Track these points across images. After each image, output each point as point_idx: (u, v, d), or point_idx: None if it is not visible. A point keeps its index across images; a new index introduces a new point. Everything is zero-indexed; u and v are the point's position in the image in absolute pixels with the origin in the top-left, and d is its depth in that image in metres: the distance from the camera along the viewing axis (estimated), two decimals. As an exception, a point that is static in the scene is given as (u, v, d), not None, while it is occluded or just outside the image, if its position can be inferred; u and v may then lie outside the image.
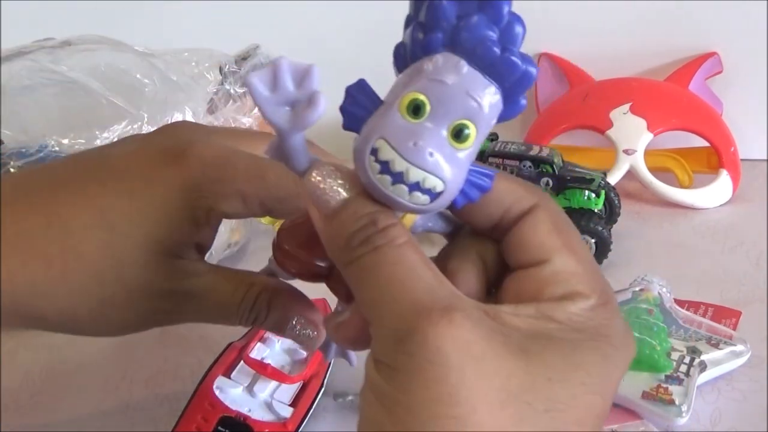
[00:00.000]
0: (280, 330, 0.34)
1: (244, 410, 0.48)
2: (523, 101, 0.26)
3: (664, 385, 0.48)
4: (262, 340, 0.52)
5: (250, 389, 0.49)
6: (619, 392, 0.47)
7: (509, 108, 0.26)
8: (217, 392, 0.48)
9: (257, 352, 0.51)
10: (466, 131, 0.25)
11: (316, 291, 0.35)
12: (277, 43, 0.72)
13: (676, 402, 0.47)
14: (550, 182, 0.66)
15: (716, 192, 0.77)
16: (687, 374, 0.49)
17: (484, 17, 0.25)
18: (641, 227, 0.74)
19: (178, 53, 0.66)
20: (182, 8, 0.87)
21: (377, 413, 0.23)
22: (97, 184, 0.31)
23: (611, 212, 0.70)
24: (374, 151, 0.24)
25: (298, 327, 0.33)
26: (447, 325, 0.22)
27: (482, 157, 0.71)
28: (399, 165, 0.24)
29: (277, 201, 0.33)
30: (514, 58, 0.26)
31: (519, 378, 0.22)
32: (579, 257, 0.26)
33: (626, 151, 0.77)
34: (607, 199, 0.68)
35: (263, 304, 0.34)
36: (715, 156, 0.79)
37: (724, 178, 0.77)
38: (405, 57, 0.26)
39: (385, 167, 0.24)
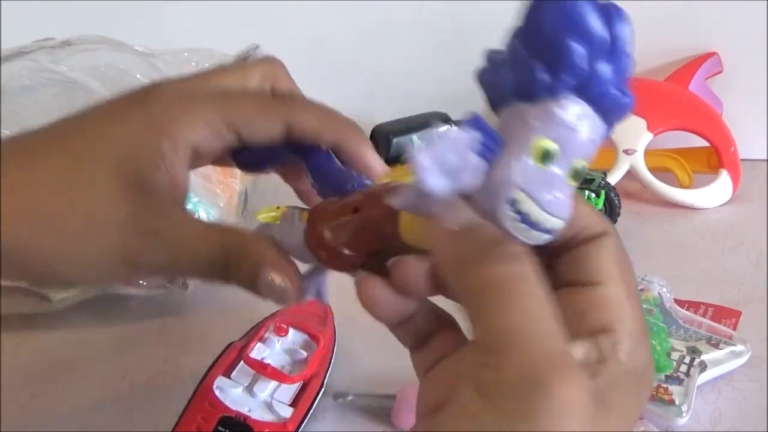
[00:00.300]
0: (253, 286, 0.32)
1: (244, 410, 0.48)
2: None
3: (664, 385, 0.48)
4: (262, 340, 0.52)
5: (250, 389, 0.49)
6: (619, 392, 0.48)
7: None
8: (217, 392, 0.48)
9: (257, 352, 0.51)
10: (583, 170, 0.25)
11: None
12: (277, 43, 0.71)
13: (676, 402, 0.47)
14: (550, 182, 0.66)
15: (716, 192, 0.77)
16: (687, 374, 0.49)
17: (614, 67, 0.26)
18: (641, 227, 0.74)
19: (178, 53, 0.66)
20: (182, 8, 0.87)
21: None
22: (72, 134, 0.32)
23: (611, 212, 0.70)
24: (512, 202, 0.25)
25: (272, 281, 0.31)
26: (572, 386, 0.22)
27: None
28: (538, 216, 0.25)
29: (245, 121, 0.33)
30: (629, 100, 0.27)
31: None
32: (629, 291, 0.26)
33: (626, 151, 0.77)
34: (607, 198, 0.68)
35: (235, 257, 0.32)
36: (715, 156, 0.79)
37: (724, 178, 0.77)
38: (506, 88, 0.26)
39: (525, 218, 0.25)
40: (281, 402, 0.48)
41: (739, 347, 0.51)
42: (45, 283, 0.33)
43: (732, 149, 0.79)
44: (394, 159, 0.78)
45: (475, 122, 0.26)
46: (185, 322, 0.62)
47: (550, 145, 0.25)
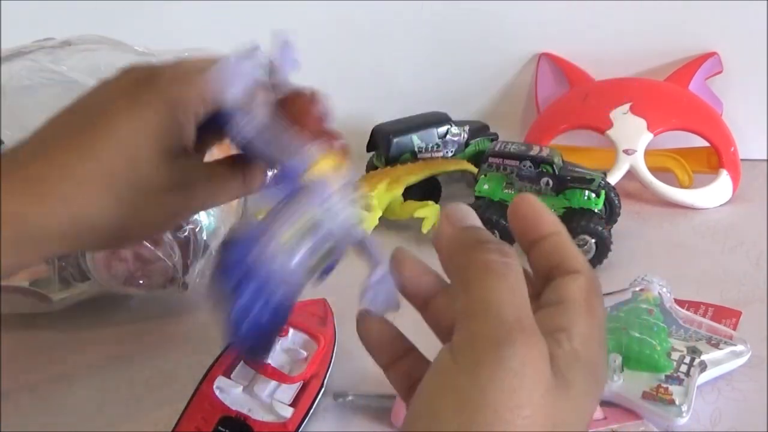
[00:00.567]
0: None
1: (245, 410, 0.48)
2: None
3: (665, 385, 0.48)
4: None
5: (250, 389, 0.49)
6: (619, 392, 0.48)
7: None
8: (217, 392, 0.48)
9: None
10: None
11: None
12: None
13: (677, 402, 0.47)
14: (550, 182, 0.66)
15: (716, 192, 0.77)
16: (687, 374, 0.49)
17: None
18: (641, 227, 0.74)
19: (178, 53, 0.66)
20: (182, 8, 0.87)
21: (443, 398, 0.26)
22: (92, 126, 0.38)
23: (611, 212, 0.70)
24: None
25: None
26: (534, 348, 0.26)
27: (483, 157, 0.71)
28: None
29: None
30: None
31: (561, 406, 0.26)
32: (590, 313, 0.29)
33: (626, 151, 0.77)
34: (607, 199, 0.68)
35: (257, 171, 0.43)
36: (715, 156, 0.79)
37: (724, 178, 0.77)
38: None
39: None
40: (281, 402, 0.48)
41: (740, 347, 0.51)
42: (113, 244, 0.40)
43: (732, 149, 0.79)
44: (394, 159, 0.78)
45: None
46: (185, 323, 0.62)
47: None
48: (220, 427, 0.47)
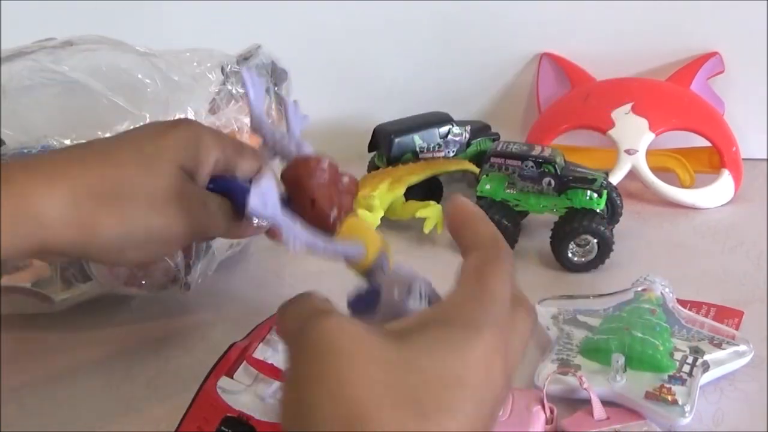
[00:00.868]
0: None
1: (247, 411, 0.47)
2: None
3: (667, 385, 0.48)
4: (265, 340, 0.52)
5: (252, 389, 0.49)
6: (622, 392, 0.47)
7: None
8: (219, 392, 0.48)
9: (260, 352, 0.51)
10: None
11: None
12: (278, 43, 0.72)
13: (679, 402, 0.46)
14: (552, 182, 0.66)
15: (718, 192, 0.77)
16: (690, 374, 0.49)
17: None
18: (643, 227, 0.74)
19: (180, 53, 0.66)
20: (183, 8, 0.87)
21: (286, 389, 0.29)
22: (126, 150, 0.42)
23: (613, 212, 0.70)
24: None
25: None
26: (330, 320, 0.29)
27: (484, 157, 0.71)
28: None
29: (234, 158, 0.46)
30: None
31: (392, 358, 0.28)
32: (479, 286, 0.31)
33: (628, 151, 0.77)
34: (609, 199, 0.68)
35: None
36: (717, 156, 0.79)
37: (726, 178, 0.77)
38: None
39: None
40: (284, 402, 0.48)
41: (742, 347, 0.51)
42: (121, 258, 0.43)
43: (733, 149, 0.79)
44: (395, 159, 0.78)
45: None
46: (187, 323, 0.62)
47: None
48: (222, 428, 0.47)
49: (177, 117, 0.59)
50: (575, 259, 0.65)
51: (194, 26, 0.88)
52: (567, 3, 0.84)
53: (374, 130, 0.80)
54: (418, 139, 0.78)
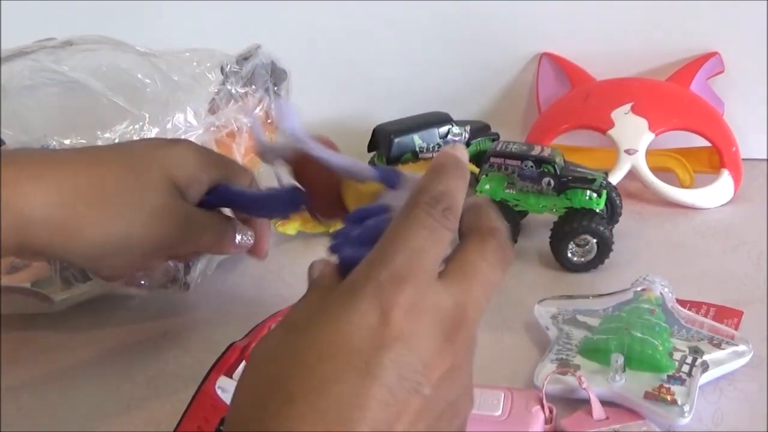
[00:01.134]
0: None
1: None
2: None
3: (667, 385, 0.48)
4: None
5: None
6: (621, 392, 0.48)
7: None
8: (218, 392, 0.48)
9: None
10: None
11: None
12: (278, 43, 0.72)
13: (679, 402, 0.46)
14: (552, 182, 0.66)
15: (717, 192, 0.77)
16: (689, 374, 0.49)
17: None
18: (643, 227, 0.73)
19: (180, 53, 0.66)
20: (183, 8, 0.87)
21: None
22: (118, 156, 0.44)
23: (613, 212, 0.70)
24: None
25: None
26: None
27: (484, 157, 0.71)
28: None
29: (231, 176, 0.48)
30: None
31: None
32: (471, 267, 0.31)
33: (627, 151, 0.77)
34: (609, 199, 0.68)
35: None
36: (717, 156, 0.79)
37: (726, 178, 0.77)
38: None
39: None
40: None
41: (741, 347, 0.51)
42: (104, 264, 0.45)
43: (733, 149, 0.79)
44: (395, 159, 0.78)
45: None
46: (186, 323, 0.62)
47: None
48: (221, 428, 0.47)
49: (176, 117, 0.59)
50: (575, 259, 0.65)
51: (194, 26, 0.88)
52: (567, 3, 0.84)
53: (374, 130, 0.80)
54: (417, 139, 0.78)
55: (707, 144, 0.79)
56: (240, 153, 0.63)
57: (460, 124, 0.80)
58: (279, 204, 0.49)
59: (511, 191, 0.68)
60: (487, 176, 0.69)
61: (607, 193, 0.67)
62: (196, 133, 0.60)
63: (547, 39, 0.88)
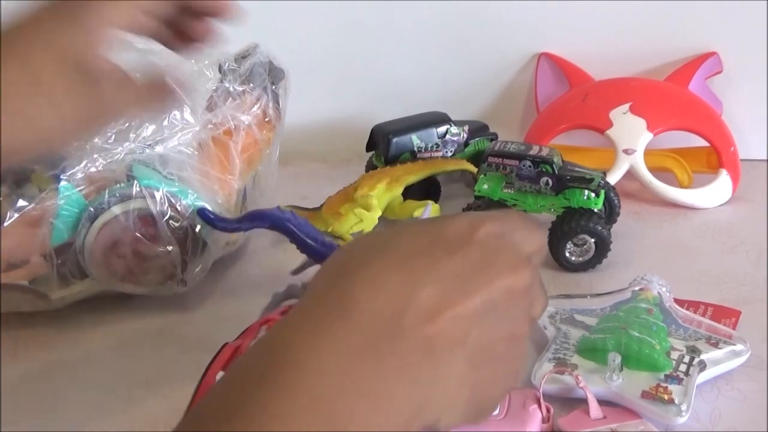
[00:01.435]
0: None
1: None
2: None
3: (664, 385, 0.48)
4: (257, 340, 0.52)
5: None
6: (618, 392, 0.47)
7: None
8: None
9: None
10: None
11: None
12: (277, 42, 0.72)
13: (676, 401, 0.46)
14: (550, 182, 0.66)
15: (716, 192, 0.77)
16: (686, 374, 0.49)
17: None
18: (641, 227, 0.73)
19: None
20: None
21: None
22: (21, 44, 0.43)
23: (611, 212, 0.70)
24: None
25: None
26: None
27: (482, 157, 0.71)
28: None
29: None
30: None
31: None
32: None
33: (626, 151, 0.77)
34: (607, 198, 0.68)
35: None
36: (715, 156, 0.79)
37: (724, 178, 0.77)
38: None
39: None
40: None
41: (739, 347, 0.51)
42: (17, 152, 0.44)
43: (732, 149, 0.79)
44: (393, 158, 0.78)
45: None
46: (184, 322, 0.62)
47: None
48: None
49: (173, 114, 0.59)
50: (573, 258, 0.65)
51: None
52: (565, 3, 0.84)
53: (372, 129, 0.80)
54: (416, 139, 0.78)
55: (705, 144, 0.79)
56: (237, 151, 0.63)
57: (459, 124, 0.80)
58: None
59: (510, 191, 0.68)
60: (485, 176, 0.69)
61: (606, 193, 0.67)
62: (193, 130, 0.60)
63: (546, 39, 0.88)
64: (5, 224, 0.55)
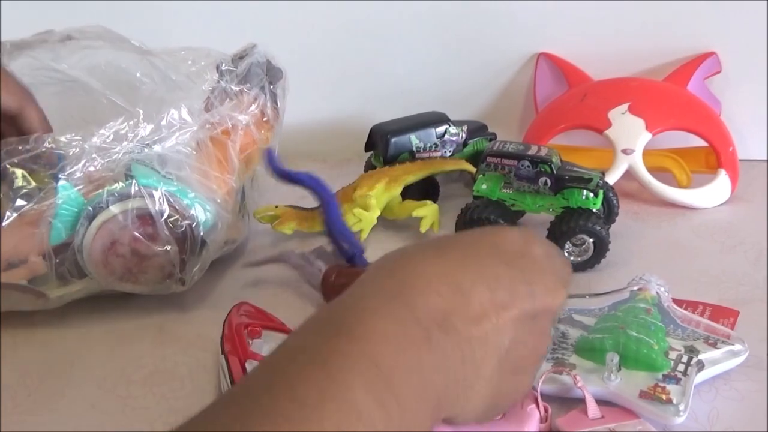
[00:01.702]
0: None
1: None
2: None
3: (662, 385, 0.48)
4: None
5: None
6: (616, 391, 0.47)
7: None
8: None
9: (255, 347, 0.51)
10: None
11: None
12: (276, 42, 0.72)
13: (674, 401, 0.46)
14: (548, 182, 0.66)
15: (715, 192, 0.77)
16: (684, 373, 0.49)
17: None
18: (640, 227, 0.73)
19: (175, 52, 0.66)
20: (180, 7, 0.87)
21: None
22: None
23: (609, 212, 0.70)
24: None
25: None
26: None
27: (481, 157, 0.71)
28: None
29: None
30: None
31: None
32: None
33: (625, 151, 0.77)
34: (606, 198, 0.68)
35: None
36: (714, 156, 0.79)
37: (723, 178, 0.77)
38: None
39: None
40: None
41: (737, 347, 0.51)
42: None
43: (730, 149, 0.79)
44: (392, 158, 0.78)
45: None
46: (183, 321, 0.62)
47: None
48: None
49: (171, 114, 0.59)
50: (571, 258, 0.65)
51: (191, 25, 0.88)
52: (564, 3, 0.85)
53: (371, 129, 0.80)
54: (414, 139, 0.78)
55: (704, 144, 0.79)
56: (235, 150, 0.63)
57: (458, 124, 0.80)
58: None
59: (508, 191, 0.68)
60: (484, 176, 0.69)
61: (604, 193, 0.67)
62: (191, 129, 0.60)
63: (545, 39, 0.88)
64: (4, 224, 0.55)
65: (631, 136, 0.77)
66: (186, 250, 0.59)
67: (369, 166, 0.81)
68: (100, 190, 0.57)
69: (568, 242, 0.65)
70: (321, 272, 0.61)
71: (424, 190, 0.78)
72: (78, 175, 0.56)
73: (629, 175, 0.77)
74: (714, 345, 0.51)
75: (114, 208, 0.56)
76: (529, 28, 0.88)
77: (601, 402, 0.48)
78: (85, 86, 0.63)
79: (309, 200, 0.74)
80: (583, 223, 0.64)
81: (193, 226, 0.59)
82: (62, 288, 0.59)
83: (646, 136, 0.77)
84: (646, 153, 0.77)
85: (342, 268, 0.60)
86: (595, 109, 0.80)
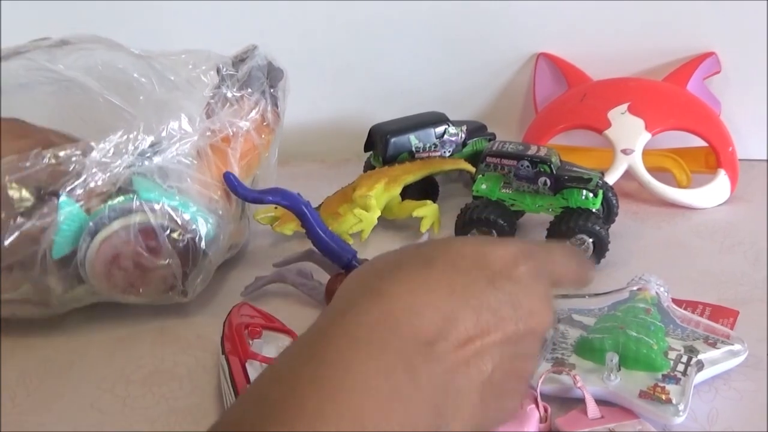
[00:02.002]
0: None
1: None
2: None
3: (661, 385, 0.48)
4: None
5: None
6: (616, 391, 0.48)
7: None
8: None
9: (255, 347, 0.51)
10: None
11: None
12: (276, 43, 0.72)
13: (673, 401, 0.46)
14: (548, 182, 0.66)
15: (714, 192, 0.77)
16: (684, 373, 0.49)
17: None
18: (639, 227, 0.73)
19: (175, 55, 0.66)
20: (180, 9, 0.87)
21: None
22: None
23: (609, 212, 0.70)
24: None
25: None
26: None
27: (480, 156, 0.71)
28: None
29: None
30: None
31: None
32: None
33: (624, 151, 0.77)
34: (605, 198, 0.68)
35: None
36: (713, 156, 0.79)
37: (722, 178, 0.77)
38: None
39: None
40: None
41: (737, 347, 0.51)
42: None
43: (730, 149, 0.79)
44: (391, 158, 0.78)
45: None
46: (183, 322, 0.62)
47: None
48: None
49: (171, 125, 0.59)
50: (571, 258, 0.65)
51: (191, 26, 0.88)
52: (564, 3, 0.85)
53: (370, 130, 0.80)
54: (414, 139, 0.78)
55: (704, 144, 0.79)
56: (235, 158, 0.63)
57: (457, 124, 0.80)
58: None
59: (508, 191, 0.68)
60: (483, 176, 0.69)
61: (604, 193, 0.67)
62: (192, 139, 0.59)
63: (544, 39, 0.88)
64: (6, 243, 0.54)
65: (630, 136, 0.77)
66: (188, 262, 0.58)
67: (368, 166, 0.81)
68: (102, 205, 0.56)
69: (568, 242, 0.65)
70: (322, 285, 0.61)
71: (424, 190, 0.78)
72: (79, 191, 0.55)
73: (629, 175, 0.77)
74: (713, 345, 0.51)
75: (116, 224, 0.56)
76: (528, 28, 0.88)
77: (600, 402, 0.48)
78: (81, 86, 0.62)
79: (308, 201, 0.74)
80: (582, 223, 0.64)
81: (196, 239, 0.58)
82: (64, 296, 0.59)
83: (645, 136, 0.77)
84: (646, 153, 0.77)
85: (343, 276, 0.60)
86: (595, 109, 0.80)
